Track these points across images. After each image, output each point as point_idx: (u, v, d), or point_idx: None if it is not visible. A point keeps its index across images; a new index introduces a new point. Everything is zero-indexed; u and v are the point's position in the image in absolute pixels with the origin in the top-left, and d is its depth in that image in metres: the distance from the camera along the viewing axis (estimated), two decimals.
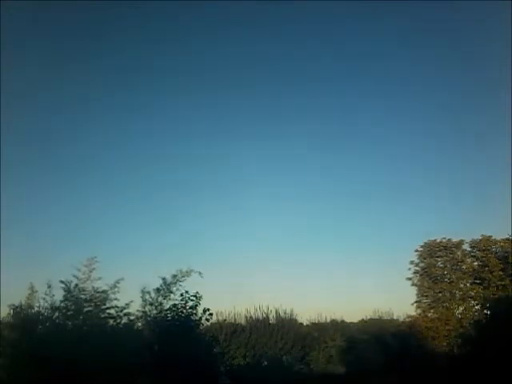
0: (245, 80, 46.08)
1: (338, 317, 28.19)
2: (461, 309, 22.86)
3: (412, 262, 24.47)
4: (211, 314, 17.80)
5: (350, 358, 24.51)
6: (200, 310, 16.87)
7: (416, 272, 24.38)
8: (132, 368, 9.78)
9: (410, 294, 24.49)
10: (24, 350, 8.71)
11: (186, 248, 39.80)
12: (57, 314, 9.70)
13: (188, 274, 10.79)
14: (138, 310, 10.46)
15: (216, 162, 44.88)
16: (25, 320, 9.56)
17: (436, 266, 23.81)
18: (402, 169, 46.01)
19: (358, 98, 44.82)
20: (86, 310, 9.77)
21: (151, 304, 10.44)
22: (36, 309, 10.04)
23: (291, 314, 26.44)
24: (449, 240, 23.86)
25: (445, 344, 20.67)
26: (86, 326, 9.53)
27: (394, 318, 27.88)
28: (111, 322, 10.40)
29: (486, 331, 14.88)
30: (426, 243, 24.35)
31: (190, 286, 14.24)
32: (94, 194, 41.42)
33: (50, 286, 9.98)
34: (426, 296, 23.84)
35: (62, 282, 9.90)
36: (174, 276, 10.65)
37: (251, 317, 26.06)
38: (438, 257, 23.87)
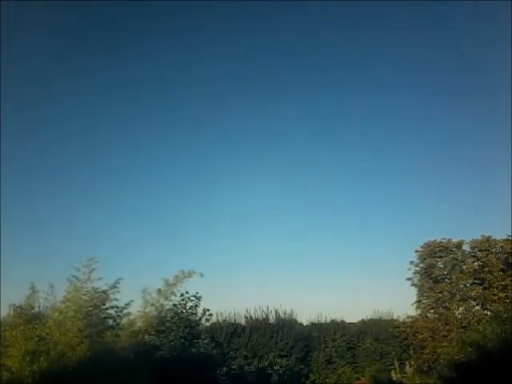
0: (245, 82, 46.13)
1: (338, 317, 28.18)
2: (461, 309, 22.87)
3: (412, 263, 24.50)
4: (211, 315, 17.88)
5: None
6: (200, 310, 16.96)
7: (416, 272, 24.40)
8: (132, 368, 9.78)
9: (410, 294, 24.54)
10: (25, 350, 8.72)
11: (185, 248, 39.89)
12: (57, 314, 9.71)
13: (190, 275, 10.77)
14: (138, 311, 10.44)
15: (217, 163, 44.98)
16: (26, 320, 9.57)
17: (436, 266, 23.82)
18: (401, 169, 45.98)
19: (357, 100, 44.90)
20: (85, 310, 9.76)
21: (152, 305, 10.42)
22: (36, 309, 10.07)
23: (291, 314, 26.46)
24: (449, 240, 23.87)
25: (445, 344, 20.66)
26: (85, 326, 9.51)
27: (394, 318, 27.95)
28: (111, 321, 10.40)
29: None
30: (426, 243, 24.35)
31: (190, 286, 14.26)
32: (94, 194, 41.50)
33: (50, 286, 9.99)
34: (427, 296, 23.85)
35: (63, 281, 9.91)
36: (176, 277, 10.63)
37: (251, 317, 26.07)
38: (438, 257, 23.87)
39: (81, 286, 9.82)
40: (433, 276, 23.65)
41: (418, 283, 24.24)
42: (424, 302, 24.02)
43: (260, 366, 23.12)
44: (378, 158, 46.56)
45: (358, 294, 34.77)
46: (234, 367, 22.04)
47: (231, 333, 24.67)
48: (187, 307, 16.53)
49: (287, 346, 24.68)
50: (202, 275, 10.90)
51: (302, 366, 24.58)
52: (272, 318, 26.03)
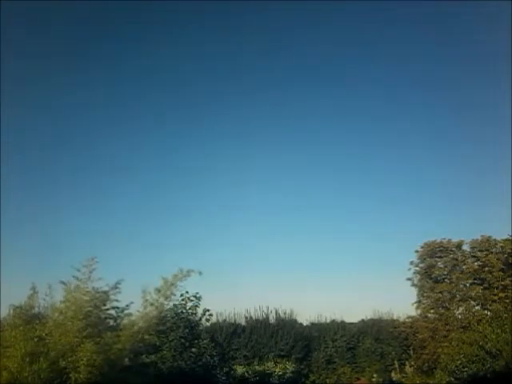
0: (247, 80, 46.14)
1: (338, 317, 28.22)
2: (461, 309, 22.85)
3: (412, 263, 24.48)
4: (211, 315, 17.87)
5: None
6: (200, 310, 16.94)
7: (416, 272, 24.38)
8: (132, 368, 9.77)
9: (410, 294, 24.53)
10: (25, 351, 8.70)
11: (186, 248, 39.87)
12: (57, 314, 9.69)
13: (189, 273, 10.72)
14: (138, 311, 10.41)
15: (216, 163, 44.96)
16: (25, 320, 9.55)
17: (436, 266, 23.81)
18: (402, 169, 46.06)
19: (358, 98, 44.99)
20: (86, 310, 9.74)
21: (152, 304, 10.39)
22: (36, 309, 10.04)
23: (291, 314, 26.47)
24: (449, 240, 23.84)
25: (445, 344, 20.63)
26: (85, 326, 9.50)
27: (394, 318, 27.96)
28: (111, 322, 10.38)
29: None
30: (425, 244, 24.33)
31: (190, 286, 14.24)
32: (94, 194, 41.50)
33: (50, 287, 9.97)
34: (427, 297, 23.82)
35: (62, 282, 9.89)
36: (175, 276, 10.58)
37: (251, 317, 26.08)
38: (438, 257, 23.86)
39: (81, 286, 9.80)
40: (433, 276, 23.63)
41: (418, 283, 24.22)
42: (424, 302, 23.99)
43: (260, 365, 23.09)
44: (377, 158, 46.60)
45: (358, 294, 34.81)
46: (234, 367, 22.03)
47: (231, 333, 24.67)
48: (187, 307, 16.51)
49: (287, 346, 24.67)
50: (200, 273, 10.84)
51: (302, 367, 24.57)
52: (272, 318, 26.05)
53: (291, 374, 23.08)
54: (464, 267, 23.16)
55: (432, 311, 23.62)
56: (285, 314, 26.26)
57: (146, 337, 10.81)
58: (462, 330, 20.72)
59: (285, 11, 40.48)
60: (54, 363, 8.86)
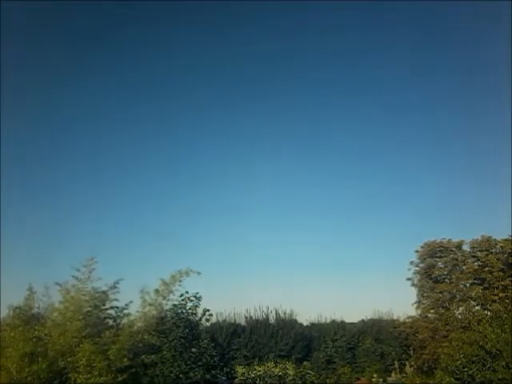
0: (249, 84, 46.14)
1: (337, 317, 28.24)
2: (461, 309, 22.80)
3: (412, 263, 24.44)
4: (211, 315, 17.88)
5: None
6: (200, 310, 16.95)
7: (416, 272, 24.33)
8: (131, 369, 9.77)
9: (410, 294, 24.51)
10: (24, 351, 8.70)
11: (186, 248, 39.86)
12: (56, 314, 9.68)
13: (187, 273, 10.75)
14: (137, 311, 10.41)
15: (217, 165, 44.99)
16: (24, 321, 9.54)
17: (436, 266, 23.76)
18: (402, 169, 46.03)
19: (360, 98, 45.02)
20: (85, 310, 9.74)
21: (151, 305, 10.40)
22: (35, 309, 10.04)
23: (291, 315, 26.46)
24: (449, 241, 23.78)
25: (445, 344, 20.59)
26: (84, 326, 9.49)
27: (394, 318, 27.97)
28: (111, 322, 10.38)
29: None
30: (426, 243, 24.27)
31: (190, 286, 14.27)
32: (94, 195, 41.49)
33: (49, 287, 9.97)
34: (427, 297, 23.77)
35: (62, 282, 9.89)
36: (173, 276, 10.61)
37: (251, 317, 26.06)
38: (438, 257, 23.81)
39: (80, 286, 9.81)
40: (433, 276, 23.58)
41: (418, 283, 24.17)
42: (424, 302, 23.93)
43: (260, 365, 23.03)
44: (379, 160, 46.60)
45: (358, 294, 34.83)
46: (234, 367, 22.01)
47: (231, 333, 24.64)
48: (187, 307, 16.52)
49: (287, 347, 24.64)
50: (199, 273, 10.88)
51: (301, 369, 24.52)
52: (272, 319, 26.03)
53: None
54: (464, 267, 23.10)
55: (432, 311, 23.57)
56: (285, 314, 26.26)
57: (146, 337, 10.82)
58: (462, 330, 20.64)
59: (290, 15, 40.51)
60: (53, 363, 8.88)
